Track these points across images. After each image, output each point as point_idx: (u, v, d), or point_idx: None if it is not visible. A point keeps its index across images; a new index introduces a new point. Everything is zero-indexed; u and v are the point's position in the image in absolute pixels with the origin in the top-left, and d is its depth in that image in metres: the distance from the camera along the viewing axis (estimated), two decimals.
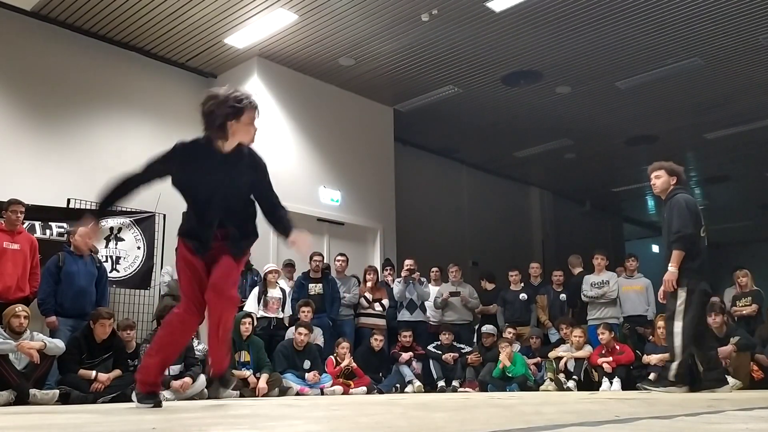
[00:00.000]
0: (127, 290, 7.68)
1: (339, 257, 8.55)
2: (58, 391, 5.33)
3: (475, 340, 8.78)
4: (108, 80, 8.39)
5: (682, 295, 5.14)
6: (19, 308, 5.52)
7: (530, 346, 8.22)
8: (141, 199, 7.91)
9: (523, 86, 9.71)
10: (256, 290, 7.52)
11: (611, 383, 7.05)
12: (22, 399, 5.13)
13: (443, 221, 12.04)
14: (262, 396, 6.41)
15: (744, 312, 7.69)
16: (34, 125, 7.76)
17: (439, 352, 8.08)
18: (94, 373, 5.65)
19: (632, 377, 7.08)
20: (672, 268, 5.16)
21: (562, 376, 7.49)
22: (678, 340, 5.11)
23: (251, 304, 7.43)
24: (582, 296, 8.31)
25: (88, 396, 5.47)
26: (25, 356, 5.32)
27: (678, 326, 5.12)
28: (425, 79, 9.48)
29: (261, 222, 3.80)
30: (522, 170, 13.52)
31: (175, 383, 5.90)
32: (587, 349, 7.51)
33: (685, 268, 5.17)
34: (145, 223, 7.76)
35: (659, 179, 5.47)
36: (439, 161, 12.52)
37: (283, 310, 7.67)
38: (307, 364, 7.10)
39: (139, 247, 7.65)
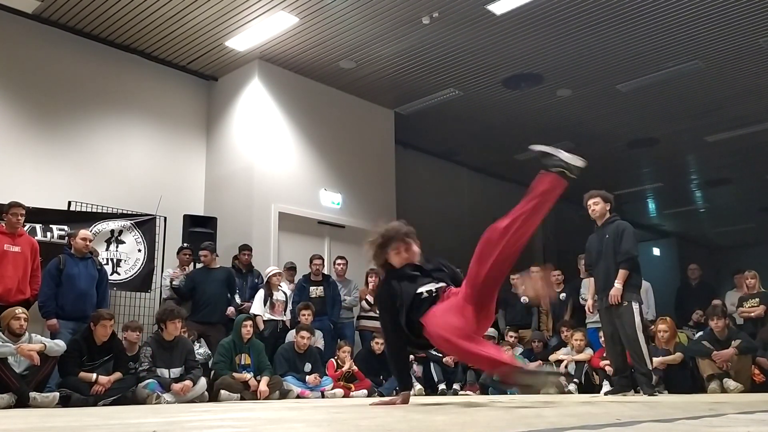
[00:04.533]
0: (128, 293, 7.69)
1: (339, 260, 8.55)
2: (58, 393, 5.33)
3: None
4: (109, 83, 8.41)
5: (636, 308, 5.75)
6: (19, 310, 5.53)
7: (532, 349, 8.21)
8: (142, 202, 8.02)
9: (524, 89, 9.71)
10: (261, 293, 7.53)
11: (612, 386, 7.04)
12: (22, 402, 5.13)
13: (444, 224, 12.02)
14: (263, 399, 6.41)
15: (752, 314, 7.67)
16: (35, 128, 7.77)
17: (440, 355, 8.06)
18: (94, 375, 5.65)
19: (633, 380, 7.06)
20: (618, 285, 5.76)
21: (563, 379, 7.48)
22: (645, 350, 5.78)
23: (258, 307, 7.44)
24: (580, 300, 8.30)
25: (88, 399, 5.47)
26: (24, 359, 5.33)
27: (641, 337, 5.76)
28: (426, 82, 9.48)
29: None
30: (523, 173, 13.46)
31: (176, 386, 5.90)
32: (588, 352, 7.51)
33: (633, 285, 5.84)
34: (146, 225, 7.77)
35: (597, 206, 6.06)
36: (440, 164, 12.51)
37: (285, 313, 7.69)
38: (307, 366, 7.10)
39: (139, 250, 7.65)
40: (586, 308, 6.74)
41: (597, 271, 6.09)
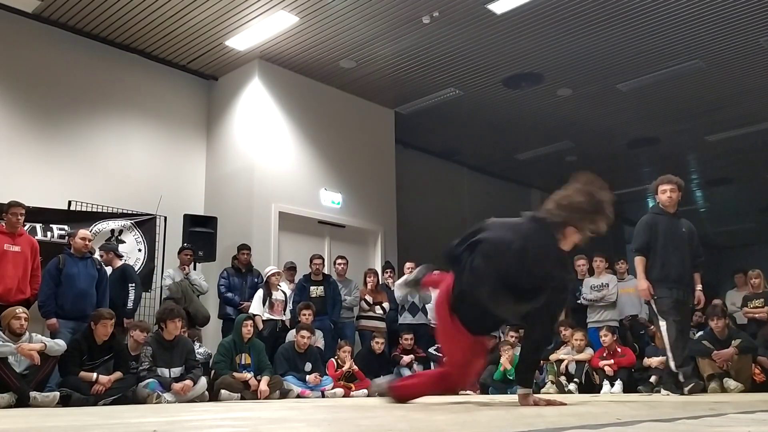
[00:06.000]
0: None
1: (339, 260, 8.54)
2: (58, 393, 5.33)
3: None
4: (109, 82, 8.40)
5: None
6: (19, 310, 5.53)
7: None
8: (142, 202, 8.02)
9: (525, 89, 9.70)
10: (260, 292, 7.53)
11: (612, 386, 7.04)
12: (22, 402, 5.13)
13: (444, 224, 12.00)
14: (263, 398, 6.41)
15: (756, 315, 7.66)
16: (36, 127, 7.77)
17: (441, 355, 8.05)
18: (95, 375, 5.64)
19: (633, 380, 7.07)
20: (700, 287, 5.67)
21: (563, 379, 7.48)
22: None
23: (257, 307, 7.44)
24: (581, 299, 8.30)
25: (89, 398, 5.47)
26: (25, 358, 5.33)
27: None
28: (426, 82, 9.48)
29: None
30: (523, 173, 13.51)
31: (176, 386, 5.90)
32: (588, 352, 7.51)
33: None
34: (146, 225, 7.76)
35: (674, 193, 5.76)
36: (440, 164, 12.52)
37: (284, 313, 7.69)
38: (308, 366, 7.11)
39: (140, 250, 7.65)
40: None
41: (666, 257, 5.61)
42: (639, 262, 5.73)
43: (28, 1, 7.43)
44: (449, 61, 8.85)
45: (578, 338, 7.58)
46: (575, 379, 7.40)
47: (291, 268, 8.33)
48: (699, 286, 5.69)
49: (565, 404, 3.43)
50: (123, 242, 7.56)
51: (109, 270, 6.92)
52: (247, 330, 6.73)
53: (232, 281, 7.89)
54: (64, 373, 5.66)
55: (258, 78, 8.85)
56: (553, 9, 7.62)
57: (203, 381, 6.23)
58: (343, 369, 7.34)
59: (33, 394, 5.18)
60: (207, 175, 9.20)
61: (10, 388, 5.14)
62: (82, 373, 5.64)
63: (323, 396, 6.84)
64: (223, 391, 6.29)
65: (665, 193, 5.76)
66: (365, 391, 7.20)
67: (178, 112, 9.07)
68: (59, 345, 5.58)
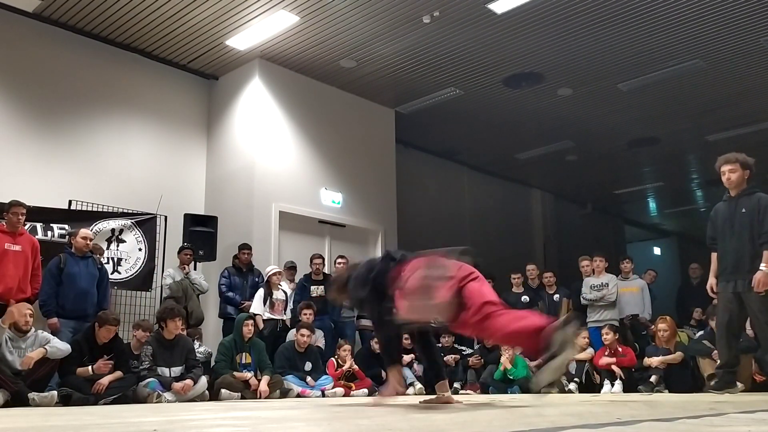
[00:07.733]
0: (129, 292, 7.69)
1: (340, 259, 8.54)
2: (56, 393, 5.33)
3: None
4: (110, 82, 8.40)
5: None
6: (25, 307, 5.57)
7: None
8: (142, 201, 8.02)
9: (525, 88, 9.70)
10: (261, 292, 7.54)
11: (612, 386, 7.05)
12: (20, 401, 5.14)
13: (445, 223, 12.03)
14: (264, 398, 6.41)
15: None
16: (36, 126, 7.77)
17: (441, 354, 8.07)
18: (90, 368, 5.67)
19: (633, 380, 7.08)
20: (765, 268, 4.96)
21: (563, 379, 7.48)
22: None
23: (257, 306, 7.45)
24: (581, 299, 8.30)
25: (89, 398, 5.47)
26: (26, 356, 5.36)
27: None
28: (427, 81, 9.48)
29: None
30: (524, 172, 13.51)
31: (177, 385, 5.90)
32: (589, 352, 7.51)
33: None
34: (147, 224, 7.76)
35: (734, 174, 5.31)
36: (441, 163, 12.51)
37: (285, 312, 7.69)
38: (308, 365, 7.11)
39: (140, 249, 7.65)
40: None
41: (724, 247, 5.21)
42: (712, 258, 5.37)
43: (28, 1, 7.43)
44: (449, 60, 8.84)
45: (583, 337, 7.58)
46: (575, 379, 7.40)
47: (291, 268, 8.34)
48: (763, 265, 4.93)
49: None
50: (123, 241, 7.56)
51: None
52: (248, 329, 6.73)
53: (233, 280, 7.89)
54: (64, 373, 5.67)
55: (258, 77, 8.85)
56: (553, 9, 7.62)
57: (203, 380, 6.23)
58: (344, 368, 7.34)
59: (31, 395, 5.17)
60: (207, 174, 9.20)
61: (7, 389, 5.16)
62: (79, 369, 5.65)
63: (323, 396, 6.84)
64: (223, 391, 6.30)
65: (724, 175, 5.31)
66: (365, 390, 7.20)
67: (178, 112, 9.07)
68: (60, 350, 5.58)
